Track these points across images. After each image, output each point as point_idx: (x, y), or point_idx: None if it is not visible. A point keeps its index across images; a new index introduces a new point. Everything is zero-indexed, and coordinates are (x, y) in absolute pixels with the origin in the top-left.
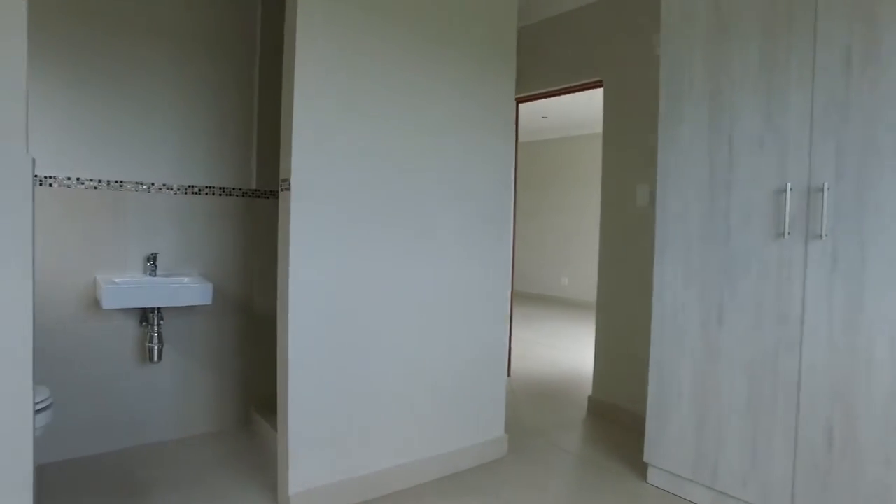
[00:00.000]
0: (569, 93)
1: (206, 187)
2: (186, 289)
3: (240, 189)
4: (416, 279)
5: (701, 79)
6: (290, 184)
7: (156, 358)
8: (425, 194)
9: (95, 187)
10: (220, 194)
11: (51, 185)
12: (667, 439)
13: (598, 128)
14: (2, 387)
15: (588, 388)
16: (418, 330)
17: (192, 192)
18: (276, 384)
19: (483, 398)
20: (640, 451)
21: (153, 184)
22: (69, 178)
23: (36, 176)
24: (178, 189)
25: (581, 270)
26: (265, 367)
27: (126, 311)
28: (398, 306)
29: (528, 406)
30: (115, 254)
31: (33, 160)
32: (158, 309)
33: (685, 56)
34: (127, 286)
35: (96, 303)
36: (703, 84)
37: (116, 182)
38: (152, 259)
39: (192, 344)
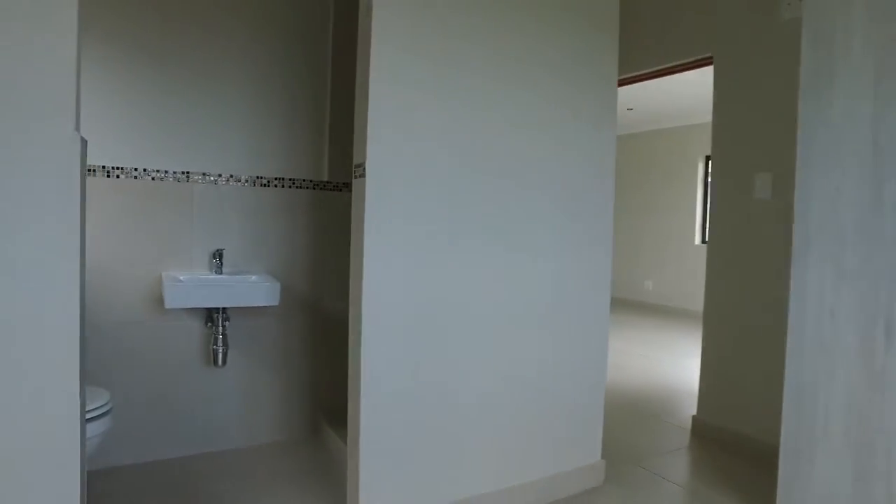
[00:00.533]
0: (673, 73)
1: (276, 179)
2: (253, 288)
3: (311, 181)
4: (504, 283)
5: (862, 35)
6: (365, 169)
7: (220, 362)
8: (516, 188)
9: (162, 178)
10: (291, 186)
11: (118, 175)
12: (809, 483)
13: (690, 119)
14: (47, 391)
15: (691, 407)
16: (507, 340)
17: (261, 185)
18: (347, 393)
19: (578, 419)
20: (762, 487)
21: (220, 175)
22: (135, 169)
23: (104, 167)
24: (247, 181)
25: (667, 274)
26: (336, 374)
27: (191, 310)
28: (484, 313)
29: (624, 426)
30: (180, 249)
31: (84, 141)
32: (224, 309)
33: (839, 8)
34: (190, 284)
35: (162, 301)
36: (865, 41)
37: (183, 173)
38: (218, 255)
39: (258, 347)
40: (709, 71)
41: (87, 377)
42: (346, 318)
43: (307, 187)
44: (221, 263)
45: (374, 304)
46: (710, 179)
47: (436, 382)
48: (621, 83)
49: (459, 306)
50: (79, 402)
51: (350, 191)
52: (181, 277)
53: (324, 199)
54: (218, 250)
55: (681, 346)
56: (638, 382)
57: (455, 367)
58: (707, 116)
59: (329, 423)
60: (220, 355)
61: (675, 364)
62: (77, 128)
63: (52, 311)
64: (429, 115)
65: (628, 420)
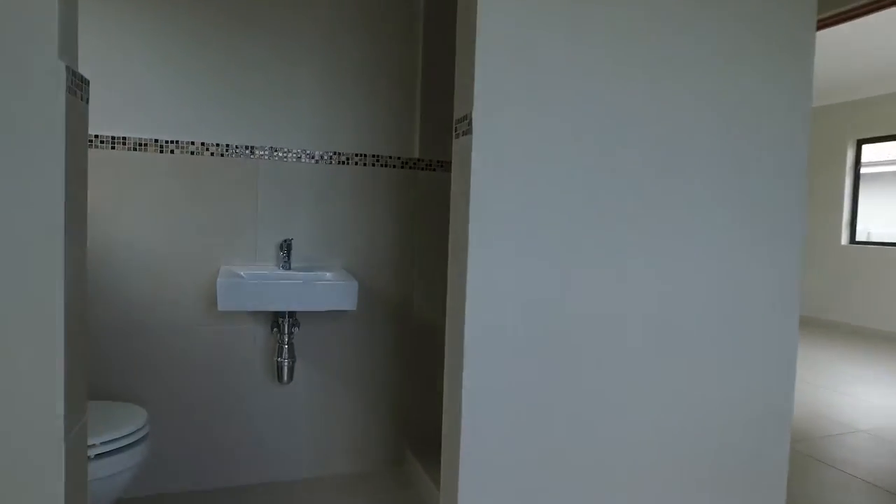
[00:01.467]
0: (869, 12)
1: (356, 155)
2: (327, 289)
3: (398, 158)
4: (655, 297)
5: None
6: (471, 122)
7: (286, 377)
8: (674, 166)
9: (223, 154)
10: (373, 164)
11: (172, 151)
12: None
13: (835, 97)
14: (14, 414)
15: (879, 455)
16: (660, 372)
17: (338, 162)
18: (440, 419)
19: (752, 479)
20: None
21: (290, 150)
22: (192, 143)
23: (156, 141)
24: (321, 157)
25: (807, 279)
26: (426, 394)
27: (255, 313)
28: (627, 332)
29: (818, 490)
30: (242, 239)
31: (75, 75)
32: (292, 313)
33: None
34: (249, 283)
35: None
36: None
37: (247, 148)
38: (286, 247)
39: (332, 359)
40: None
41: (122, 392)
42: (439, 327)
43: (393, 165)
44: (289, 257)
45: (482, 313)
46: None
47: (558, 418)
48: (822, 25)
49: (592, 321)
50: (63, 426)
51: (447, 170)
52: (241, 273)
53: (413, 181)
54: (286, 240)
55: (840, 370)
56: (839, 430)
57: (584, 402)
58: (857, 94)
59: (415, 452)
60: (286, 370)
61: (837, 391)
62: (68, 58)
63: (22, 307)
64: (554, 57)
65: (824, 483)
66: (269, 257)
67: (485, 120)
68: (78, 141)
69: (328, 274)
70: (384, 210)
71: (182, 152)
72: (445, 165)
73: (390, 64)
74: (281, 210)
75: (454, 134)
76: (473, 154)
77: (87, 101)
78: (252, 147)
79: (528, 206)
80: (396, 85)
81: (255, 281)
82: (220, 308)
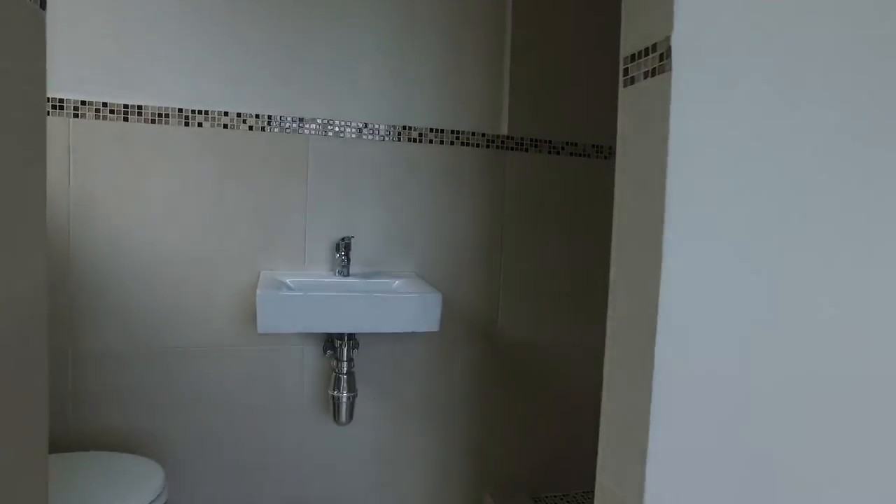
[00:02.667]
0: None
1: (431, 131)
2: (399, 305)
3: (482, 135)
4: None
5: None
6: (669, 54)
7: (344, 416)
8: None
9: (264, 128)
10: (452, 142)
11: (199, 123)
12: None
13: None
14: None
15: None
16: None
17: (409, 139)
18: (530, 458)
19: None
20: None
21: (349, 123)
22: (225, 114)
23: (180, 111)
24: (388, 133)
25: None
26: (516, 436)
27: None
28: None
29: None
30: (288, 236)
31: None
32: (351, 335)
33: None
34: (299, 297)
35: (255, 317)
36: None
37: (294, 121)
38: (343, 247)
39: (400, 389)
40: None
41: (132, 438)
42: (529, 346)
43: (476, 144)
44: (348, 260)
45: (682, 350)
46: None
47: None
48: None
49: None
50: None
51: (540, 151)
52: (287, 282)
53: (501, 163)
54: (344, 239)
55: None
56: None
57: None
58: None
59: (499, 500)
60: (344, 406)
61: None
62: None
63: None
64: None
65: None
66: (321, 260)
67: (695, 49)
68: (24, 62)
69: (397, 282)
70: (465, 200)
71: (213, 125)
72: (539, 145)
73: (473, 19)
74: (337, 200)
75: (624, 79)
76: (674, 105)
77: (45, 6)
78: (301, 119)
79: (762, 189)
80: (480, 45)
81: (307, 294)
82: (260, 330)
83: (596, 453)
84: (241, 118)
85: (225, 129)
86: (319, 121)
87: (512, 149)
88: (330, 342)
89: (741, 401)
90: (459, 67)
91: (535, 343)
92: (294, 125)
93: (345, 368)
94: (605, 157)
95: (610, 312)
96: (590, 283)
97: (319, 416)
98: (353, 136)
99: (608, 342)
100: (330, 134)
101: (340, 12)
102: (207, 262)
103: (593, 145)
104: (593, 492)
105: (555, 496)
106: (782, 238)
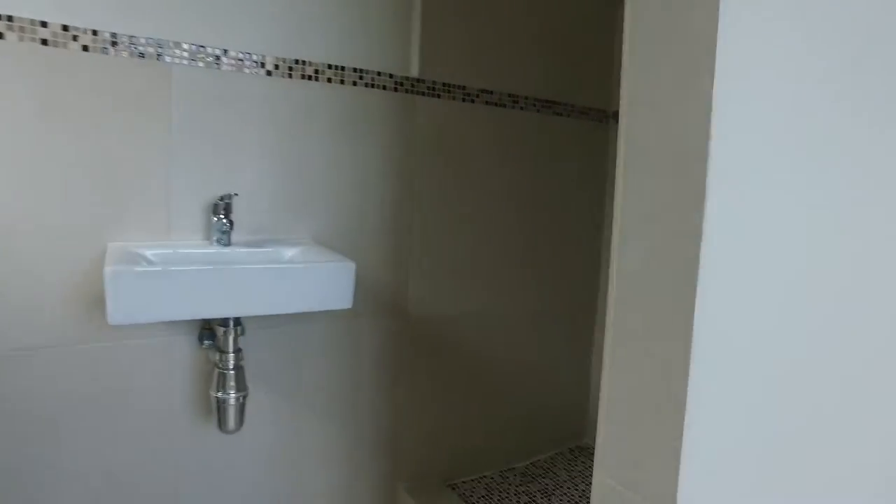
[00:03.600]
0: None
1: (330, 68)
2: (303, 278)
3: (390, 76)
4: None
5: None
6: None
7: (232, 423)
8: None
9: (106, 50)
10: (355, 82)
11: (1, 35)
12: None
13: None
14: None
15: None
16: None
17: (303, 75)
18: (444, 442)
19: None
20: None
21: (226, 52)
22: (43, 24)
23: None
24: (276, 67)
25: None
26: (424, 415)
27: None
28: None
29: None
30: (146, 197)
31: None
32: (238, 320)
33: None
34: (164, 274)
35: (104, 305)
36: None
37: (152, 42)
38: (223, 209)
39: (297, 379)
40: None
41: None
42: (447, 321)
43: (383, 86)
44: (231, 224)
45: (725, 336)
46: None
47: None
48: None
49: None
50: None
51: (455, 98)
52: (148, 255)
53: (410, 110)
54: (223, 199)
55: None
56: None
57: None
58: None
59: (415, 495)
60: (233, 410)
61: None
62: None
63: None
64: None
65: None
66: (192, 227)
67: None
68: None
69: (292, 251)
70: (370, 153)
71: (29, 40)
72: (453, 91)
73: None
74: (212, 150)
75: None
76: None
77: None
78: (161, 42)
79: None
80: None
81: (178, 268)
82: (111, 321)
83: (510, 431)
84: (71, 33)
85: (45, 47)
86: (186, 46)
87: (423, 93)
88: (209, 329)
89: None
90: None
91: (448, 316)
92: (151, 49)
93: (231, 362)
94: (522, 108)
95: (617, 271)
96: (509, 246)
97: (199, 424)
98: (232, 68)
99: (615, 309)
100: (201, 64)
101: None
102: (30, 234)
103: (509, 94)
104: (512, 470)
105: (471, 479)
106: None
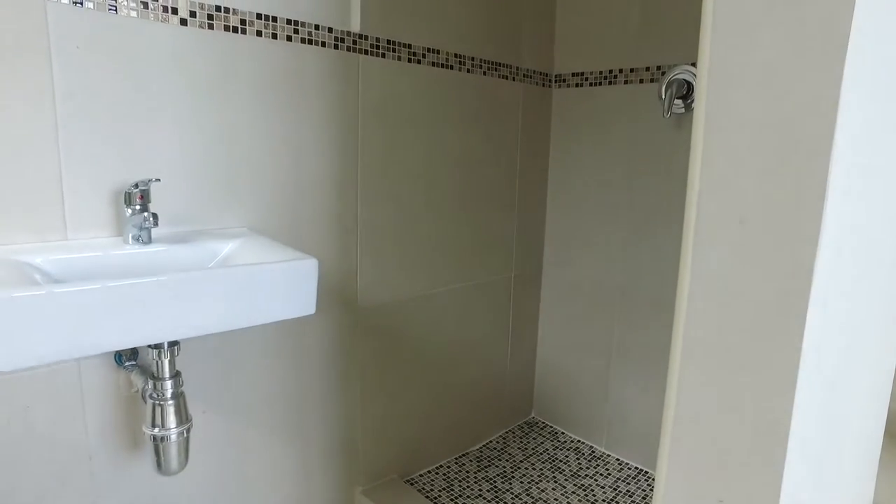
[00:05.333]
0: None
1: (259, 17)
2: (256, 283)
3: (329, 30)
4: None
5: None
6: None
7: (175, 463)
8: None
9: None
10: (290, 36)
11: None
12: None
13: None
14: None
15: None
16: None
17: (227, 26)
18: (398, 436)
19: None
20: None
21: None
22: None
23: None
24: (193, 14)
25: None
26: (377, 411)
27: None
28: None
29: None
30: (30, 184)
31: None
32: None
33: None
34: (67, 297)
35: None
36: None
37: None
38: (139, 197)
39: (240, 390)
40: None
41: None
42: (398, 315)
43: (322, 42)
44: (154, 218)
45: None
46: None
47: None
48: None
49: None
50: None
51: (401, 58)
52: (39, 263)
53: (353, 68)
54: (138, 185)
55: None
56: None
57: None
58: None
59: (373, 496)
60: (175, 448)
61: None
62: None
63: None
64: None
65: None
66: (98, 220)
67: None
68: None
69: (230, 245)
70: (308, 120)
71: None
72: (398, 50)
73: None
74: (112, 120)
75: None
76: None
77: None
78: None
79: None
80: None
81: (66, 292)
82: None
83: (461, 415)
84: None
85: None
86: None
87: (366, 52)
88: (131, 348)
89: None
90: None
91: (397, 302)
92: None
93: (169, 391)
94: (468, 71)
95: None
96: (454, 219)
97: (124, 464)
98: (136, 13)
99: (688, 291)
100: (90, 5)
101: None
102: None
103: (456, 55)
104: (466, 455)
105: (428, 472)
106: None
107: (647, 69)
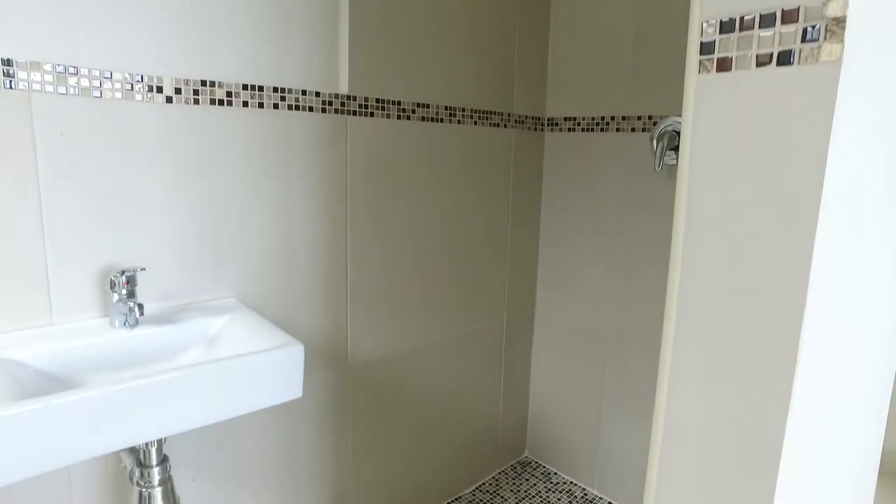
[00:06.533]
0: None
1: (246, 88)
2: (241, 375)
3: (316, 94)
4: None
5: None
6: (844, 18)
7: None
8: None
9: None
10: (277, 104)
11: None
12: None
13: None
14: None
15: None
16: None
17: (213, 100)
18: (391, 491)
19: None
20: None
21: (109, 73)
22: None
23: None
24: (179, 91)
25: None
26: (371, 468)
27: None
28: None
29: None
30: (14, 268)
31: None
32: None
33: None
34: (49, 410)
35: None
36: None
37: (2, 64)
38: (126, 281)
39: (231, 462)
40: None
41: None
42: (390, 369)
43: (309, 107)
44: (138, 308)
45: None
46: None
47: None
48: None
49: None
50: None
51: (389, 116)
52: (21, 357)
53: (342, 130)
54: (124, 273)
55: None
56: None
57: None
58: None
59: None
60: None
61: None
62: None
63: None
64: None
65: None
66: (84, 301)
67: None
68: None
69: (219, 322)
70: (296, 185)
71: None
72: (387, 107)
73: None
74: (100, 200)
75: (704, 58)
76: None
77: None
78: (11, 62)
79: None
80: None
81: (45, 406)
82: None
83: (454, 459)
84: None
85: None
86: (50, 67)
87: (354, 112)
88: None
89: None
90: (284, 5)
91: (387, 355)
92: (1, 74)
93: (156, 478)
94: (459, 122)
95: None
96: (446, 268)
97: None
98: (120, 94)
99: (674, 326)
100: (73, 90)
101: None
102: None
103: (446, 107)
104: (459, 499)
105: None
106: None
107: (639, 118)
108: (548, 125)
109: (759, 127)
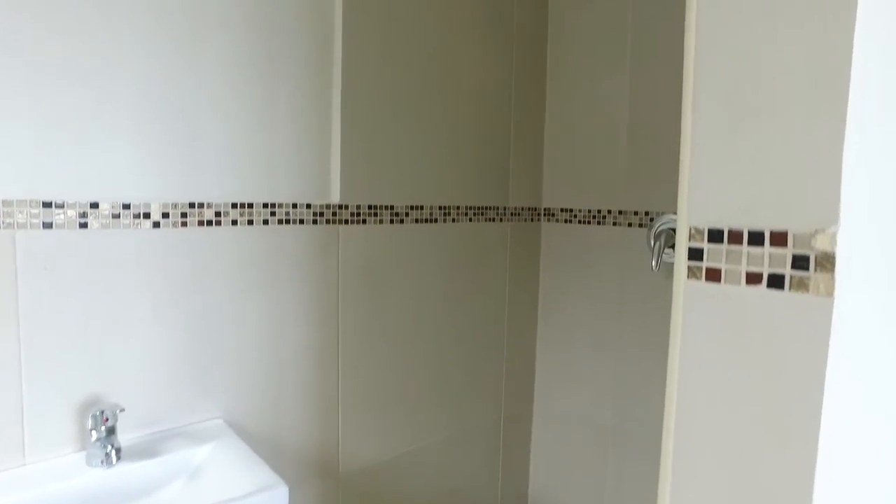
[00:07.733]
0: None
1: (235, 207)
2: None
3: (307, 206)
4: None
5: None
6: (833, 255)
7: None
8: None
9: None
10: (267, 220)
11: None
12: None
13: None
14: None
15: None
16: None
17: (201, 221)
18: None
19: None
20: None
21: (95, 205)
22: None
23: None
24: (166, 215)
25: None
26: None
27: None
28: None
29: None
30: None
31: None
32: None
33: None
34: None
35: None
36: None
37: None
38: (104, 419)
39: None
40: None
41: None
42: (386, 476)
43: (301, 220)
44: (115, 452)
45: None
46: None
47: None
48: None
49: None
50: None
51: (382, 222)
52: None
53: (333, 240)
54: (103, 413)
55: None
56: None
57: None
58: None
59: None
60: None
61: None
62: None
63: None
64: None
65: None
66: (61, 437)
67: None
68: None
69: (203, 452)
70: (286, 299)
71: None
72: (379, 213)
73: (288, 55)
74: (82, 332)
75: (691, 270)
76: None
77: None
78: None
79: None
80: (299, 89)
81: None
82: None
83: None
84: None
85: None
86: (33, 204)
87: (346, 221)
88: None
89: None
90: (272, 121)
91: (381, 462)
92: None
93: None
94: (454, 221)
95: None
96: (442, 368)
97: None
98: (105, 223)
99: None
100: (59, 222)
101: (65, 22)
102: None
103: (440, 207)
104: None
105: None
106: None
107: (636, 213)
108: (544, 215)
109: (751, 346)
